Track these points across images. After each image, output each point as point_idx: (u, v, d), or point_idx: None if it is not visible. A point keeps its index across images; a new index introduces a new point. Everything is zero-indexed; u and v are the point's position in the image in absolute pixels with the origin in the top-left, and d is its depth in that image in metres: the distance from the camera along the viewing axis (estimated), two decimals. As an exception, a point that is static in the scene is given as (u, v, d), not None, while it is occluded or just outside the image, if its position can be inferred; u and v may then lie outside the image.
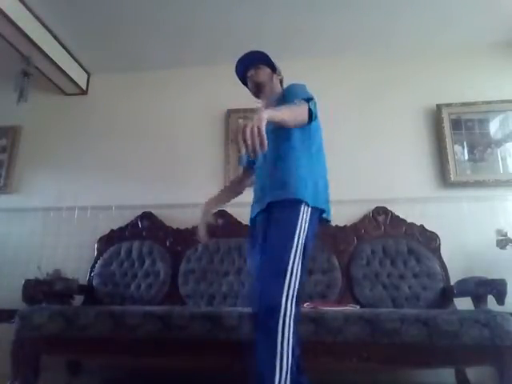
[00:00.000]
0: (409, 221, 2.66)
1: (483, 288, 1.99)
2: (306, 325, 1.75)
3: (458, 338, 1.67)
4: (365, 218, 2.72)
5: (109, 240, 2.84)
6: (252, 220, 1.63)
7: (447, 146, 2.83)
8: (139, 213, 2.91)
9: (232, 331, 1.77)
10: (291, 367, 1.23)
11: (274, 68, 1.79)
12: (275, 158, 1.53)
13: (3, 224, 3.10)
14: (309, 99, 1.47)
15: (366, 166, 2.89)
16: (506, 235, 2.40)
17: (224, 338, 1.78)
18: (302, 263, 1.36)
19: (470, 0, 2.62)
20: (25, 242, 3.01)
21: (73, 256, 2.89)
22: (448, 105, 2.92)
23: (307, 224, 1.39)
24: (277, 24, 2.84)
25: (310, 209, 1.41)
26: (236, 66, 1.79)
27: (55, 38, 2.93)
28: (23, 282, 2.15)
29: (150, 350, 1.82)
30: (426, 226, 2.61)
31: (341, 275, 2.51)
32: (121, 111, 3.32)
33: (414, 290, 2.40)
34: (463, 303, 2.21)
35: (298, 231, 1.36)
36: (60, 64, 3.00)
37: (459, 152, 2.84)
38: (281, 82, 1.83)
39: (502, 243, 2.38)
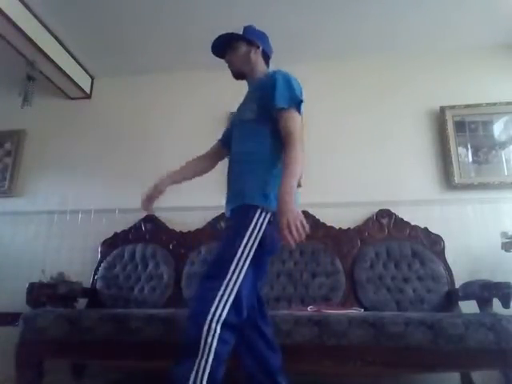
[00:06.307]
0: (413, 223, 2.64)
1: (488, 291, 1.97)
2: (309, 328, 1.75)
3: (463, 341, 1.65)
4: (368, 220, 2.71)
5: (112, 243, 2.84)
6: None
7: (451, 149, 2.82)
8: (142, 216, 2.91)
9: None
10: (213, 376, 1.18)
11: (250, 41, 1.54)
12: (244, 158, 1.43)
13: (7, 227, 3.11)
14: (291, 104, 1.36)
15: (369, 169, 2.88)
16: (511, 238, 2.38)
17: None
18: (257, 267, 1.30)
19: (474, 2, 2.62)
20: (29, 246, 3.02)
21: (76, 259, 2.89)
22: (452, 107, 2.90)
23: (263, 227, 1.30)
24: (279, 27, 2.84)
25: (269, 213, 1.32)
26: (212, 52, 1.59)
27: (59, 42, 2.95)
28: (27, 285, 2.16)
29: (153, 353, 1.82)
30: (430, 229, 2.60)
31: (344, 278, 2.50)
32: (125, 115, 3.33)
33: (419, 293, 2.38)
34: (468, 306, 2.19)
35: (248, 234, 1.28)
36: (64, 68, 3.01)
37: (463, 154, 2.82)
38: (264, 54, 1.58)
39: (507, 246, 2.36)
